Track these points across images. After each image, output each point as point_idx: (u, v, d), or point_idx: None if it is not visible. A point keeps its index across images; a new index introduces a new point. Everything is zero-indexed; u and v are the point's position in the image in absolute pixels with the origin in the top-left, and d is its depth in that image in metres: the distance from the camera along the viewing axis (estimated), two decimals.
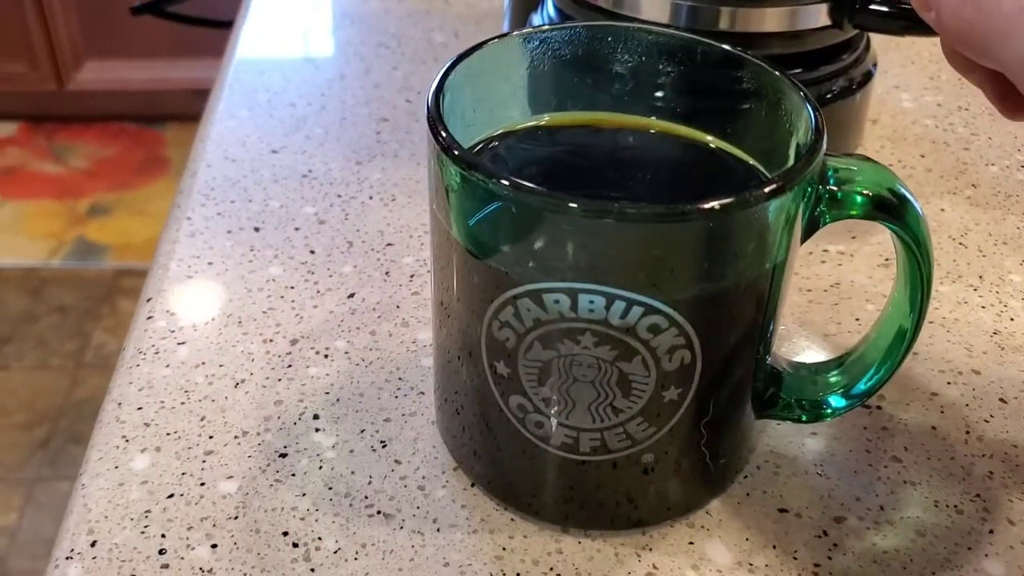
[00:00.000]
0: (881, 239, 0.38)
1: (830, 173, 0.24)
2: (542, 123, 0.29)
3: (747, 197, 0.22)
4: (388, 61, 0.48)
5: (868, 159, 0.25)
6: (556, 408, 0.25)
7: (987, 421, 0.31)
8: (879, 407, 0.31)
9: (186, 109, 1.93)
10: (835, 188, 0.24)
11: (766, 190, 0.22)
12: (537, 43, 0.28)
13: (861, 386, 0.28)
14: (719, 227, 0.22)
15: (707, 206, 0.21)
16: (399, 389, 0.31)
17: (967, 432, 0.31)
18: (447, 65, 0.25)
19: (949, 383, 0.32)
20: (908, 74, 0.50)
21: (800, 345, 0.34)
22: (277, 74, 0.47)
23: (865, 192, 0.24)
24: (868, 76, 0.42)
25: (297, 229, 0.37)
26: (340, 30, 0.51)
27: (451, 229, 0.24)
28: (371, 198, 0.39)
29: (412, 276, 0.36)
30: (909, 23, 0.36)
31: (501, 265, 0.23)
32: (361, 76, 0.47)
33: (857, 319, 0.35)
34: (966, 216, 0.40)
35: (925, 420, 0.31)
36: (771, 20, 0.37)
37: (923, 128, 0.45)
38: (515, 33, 0.27)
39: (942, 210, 0.40)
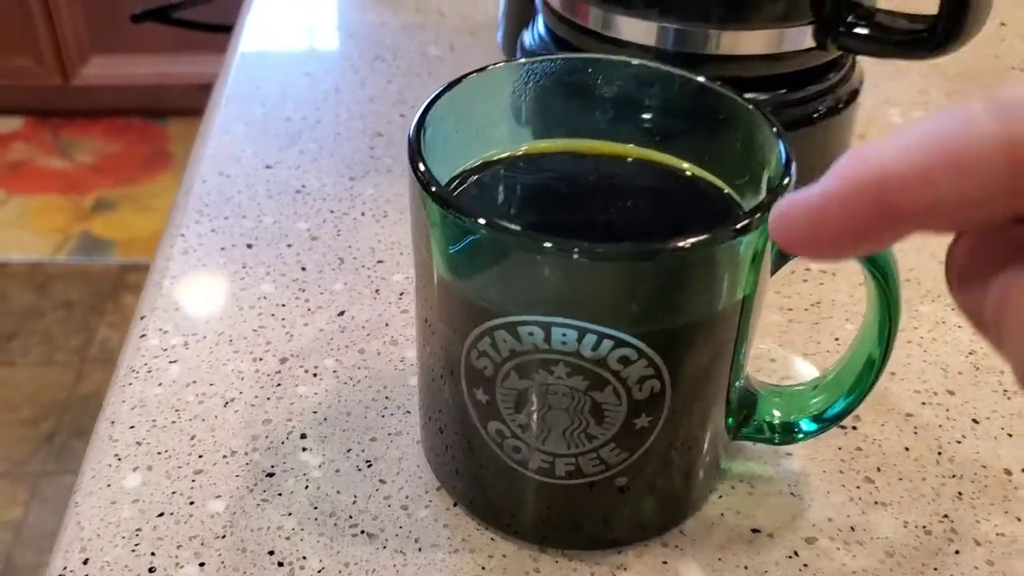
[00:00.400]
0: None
1: None
2: (524, 151, 0.29)
3: (713, 237, 0.22)
4: (383, 74, 0.49)
5: None
6: (532, 434, 0.25)
7: (959, 442, 0.32)
8: (854, 427, 0.32)
9: (190, 104, 1.95)
10: None
11: (732, 229, 0.22)
12: (519, 74, 0.28)
13: (831, 411, 0.28)
14: (686, 265, 0.23)
15: (674, 246, 0.22)
16: (386, 408, 0.32)
17: (939, 453, 0.31)
18: (429, 99, 0.26)
19: (924, 404, 0.33)
20: (898, 88, 0.50)
21: (779, 366, 0.34)
22: (274, 87, 0.48)
23: None
24: (854, 94, 0.42)
25: (289, 246, 0.38)
26: (337, 43, 0.52)
27: (431, 259, 0.25)
28: (363, 214, 0.40)
29: (401, 294, 0.36)
30: (892, 45, 0.37)
31: (478, 297, 0.24)
32: (356, 89, 0.48)
33: (836, 338, 0.35)
34: (948, 235, 0.41)
35: (899, 441, 0.32)
36: (756, 43, 0.38)
37: None
38: (497, 65, 0.28)
39: None
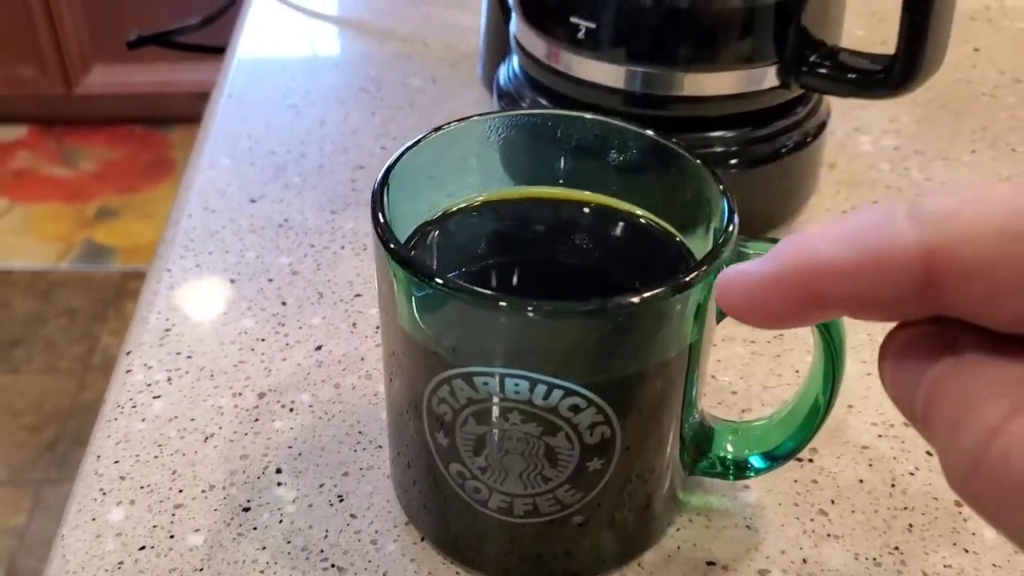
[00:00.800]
0: None
1: (746, 258, 0.26)
2: (487, 199, 0.30)
3: (659, 293, 0.23)
4: (367, 106, 0.50)
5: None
6: (491, 476, 0.27)
7: (912, 474, 0.33)
8: (811, 460, 0.33)
9: (192, 111, 1.97)
10: None
11: (678, 283, 0.24)
12: (481, 130, 0.29)
13: (780, 450, 0.30)
14: (633, 319, 0.24)
15: (621, 303, 0.23)
16: (359, 443, 0.33)
17: (892, 485, 0.32)
18: (393, 158, 0.27)
19: (880, 436, 0.34)
20: (869, 116, 0.51)
21: (739, 399, 0.35)
22: (259, 119, 0.49)
23: None
24: (822, 127, 0.44)
25: (271, 280, 0.40)
26: (322, 74, 0.53)
27: (395, 308, 0.26)
28: (343, 248, 0.42)
29: (377, 328, 0.38)
30: (853, 86, 0.38)
31: (436, 347, 0.25)
32: (340, 122, 0.49)
33: (797, 371, 0.37)
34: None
35: (854, 473, 0.33)
36: (722, 83, 0.39)
37: (879, 173, 0.47)
38: (460, 122, 0.29)
39: None
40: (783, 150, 0.42)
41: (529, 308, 0.23)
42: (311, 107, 0.50)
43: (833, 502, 0.32)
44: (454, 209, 0.30)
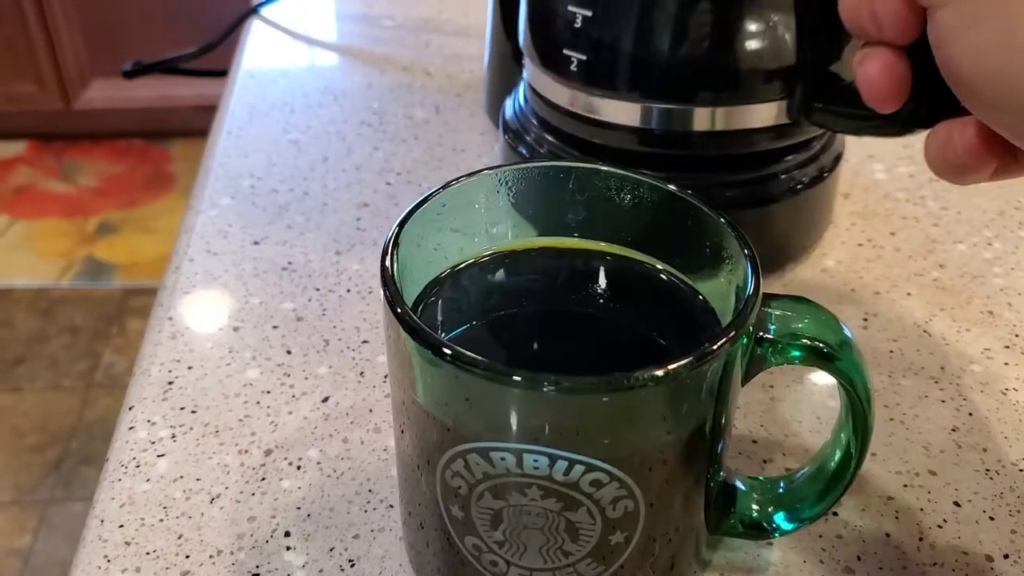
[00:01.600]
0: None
1: (769, 320, 0.25)
2: (499, 251, 0.30)
3: (685, 365, 0.22)
4: (369, 140, 0.49)
5: (809, 303, 0.26)
6: (508, 550, 0.26)
7: (940, 527, 0.32)
8: (835, 513, 0.32)
9: (191, 125, 1.96)
10: (774, 338, 0.25)
11: (704, 352, 0.23)
12: (492, 183, 0.28)
13: (806, 512, 0.29)
14: (653, 392, 0.23)
15: (645, 376, 0.22)
16: (368, 503, 0.32)
17: (920, 539, 0.31)
18: (402, 217, 0.26)
19: (905, 486, 0.33)
20: (882, 143, 0.50)
21: (760, 447, 0.34)
22: (261, 157, 0.48)
23: (804, 341, 0.25)
24: (838, 159, 0.43)
25: (275, 327, 0.39)
26: (323, 107, 0.52)
27: (406, 375, 0.25)
28: (349, 291, 0.41)
29: (385, 377, 0.37)
30: (865, 123, 0.37)
31: (450, 422, 0.24)
32: (343, 158, 0.48)
33: (818, 417, 0.36)
34: (932, 300, 0.41)
35: (880, 527, 0.32)
36: (741, 118, 0.37)
37: (894, 203, 0.46)
38: (470, 178, 0.28)
39: (909, 294, 0.41)
40: (799, 186, 0.41)
41: (546, 384, 0.22)
42: (313, 143, 0.49)
43: (859, 559, 0.31)
44: (465, 263, 0.29)
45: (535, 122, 0.42)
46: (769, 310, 0.26)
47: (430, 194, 0.27)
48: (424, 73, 0.55)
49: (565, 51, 0.38)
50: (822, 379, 0.37)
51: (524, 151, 0.42)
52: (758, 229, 0.40)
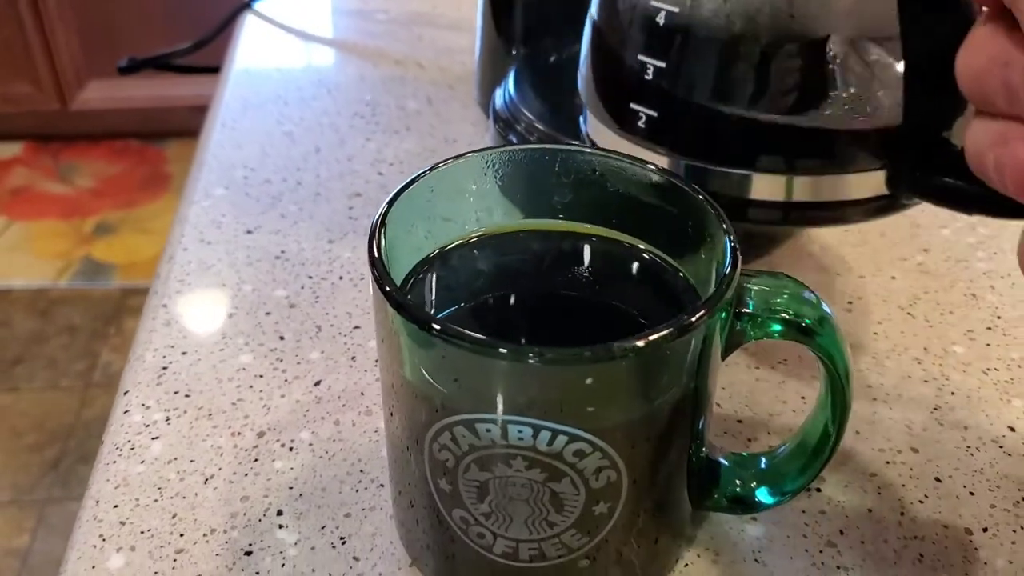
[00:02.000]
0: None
1: (749, 295, 0.26)
2: (487, 232, 0.30)
3: (665, 336, 0.23)
4: (362, 132, 0.50)
5: (789, 279, 0.27)
6: (495, 522, 0.26)
7: (921, 502, 0.32)
8: (818, 489, 0.33)
9: (188, 125, 1.96)
10: (753, 312, 0.26)
11: (684, 324, 0.23)
12: (479, 165, 0.29)
13: (788, 486, 0.29)
14: (637, 363, 0.23)
15: (626, 347, 0.23)
16: (360, 482, 0.33)
17: (902, 514, 0.32)
18: (389, 197, 0.27)
19: (888, 463, 0.34)
20: None
21: (745, 427, 0.35)
22: (255, 148, 0.49)
23: (783, 316, 0.26)
24: None
25: (268, 314, 0.39)
26: (317, 99, 0.53)
27: (394, 351, 0.25)
28: (341, 278, 0.41)
29: (376, 361, 0.37)
30: (983, 203, 0.29)
31: (436, 394, 0.25)
32: (335, 148, 0.49)
33: (803, 397, 0.36)
34: (916, 284, 0.41)
35: (862, 503, 0.32)
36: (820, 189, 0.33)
37: None
38: (456, 159, 0.29)
39: (893, 278, 0.42)
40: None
41: (530, 355, 0.23)
42: (306, 134, 0.50)
43: (842, 533, 0.31)
44: (453, 244, 0.30)
45: (525, 111, 0.42)
46: (749, 285, 0.26)
47: (417, 175, 0.28)
48: (417, 66, 0.55)
49: (632, 104, 0.33)
50: (807, 356, 0.38)
51: (514, 139, 0.42)
52: None
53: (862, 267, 0.42)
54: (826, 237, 0.44)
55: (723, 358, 0.26)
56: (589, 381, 0.24)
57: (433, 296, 0.29)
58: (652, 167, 0.28)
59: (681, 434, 0.27)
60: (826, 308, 0.27)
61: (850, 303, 0.40)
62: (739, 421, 0.35)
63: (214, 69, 0.65)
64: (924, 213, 0.45)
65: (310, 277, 0.41)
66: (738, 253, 0.25)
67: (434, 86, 0.53)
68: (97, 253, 1.79)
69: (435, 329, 0.23)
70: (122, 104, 1.99)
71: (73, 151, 2.04)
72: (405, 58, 0.56)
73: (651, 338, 0.23)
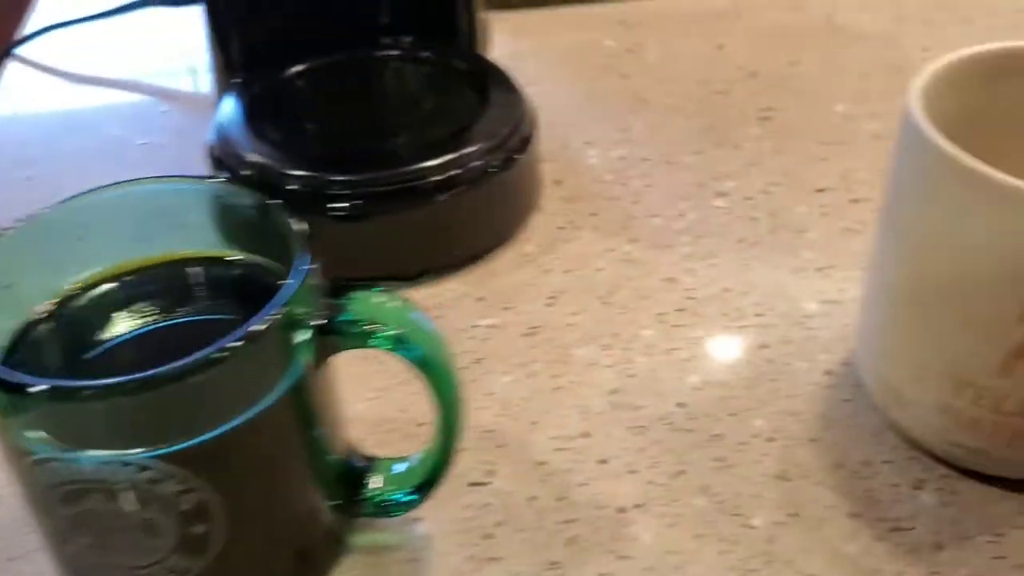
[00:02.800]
0: (530, 308, 0.41)
1: (344, 310, 0.27)
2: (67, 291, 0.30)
3: (202, 361, 0.24)
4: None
5: (388, 292, 0.28)
6: (101, 552, 0.27)
7: (583, 485, 0.34)
8: (488, 483, 0.34)
9: None
10: (343, 324, 0.27)
11: (224, 352, 0.24)
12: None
13: (422, 483, 0.30)
14: (186, 387, 0.24)
15: (155, 377, 0.23)
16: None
17: (560, 499, 0.33)
18: None
19: (558, 449, 0.35)
20: (601, 128, 0.53)
21: (426, 430, 0.36)
22: None
23: (369, 328, 0.27)
24: (526, 142, 0.44)
25: None
26: (58, 139, 0.53)
27: None
28: None
29: None
30: None
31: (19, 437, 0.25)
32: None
33: (492, 393, 0.37)
34: (618, 273, 0.43)
35: (528, 491, 0.34)
36: None
37: (602, 185, 0.49)
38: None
39: (599, 270, 0.43)
40: (489, 170, 0.43)
41: (71, 394, 0.23)
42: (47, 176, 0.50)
43: (499, 524, 0.33)
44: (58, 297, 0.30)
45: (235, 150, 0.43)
46: (340, 300, 0.27)
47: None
48: (160, 98, 0.56)
49: None
50: (504, 353, 0.39)
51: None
52: (450, 217, 0.42)
53: (570, 262, 0.44)
54: (541, 236, 0.45)
55: (320, 363, 0.27)
56: (142, 409, 0.24)
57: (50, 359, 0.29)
58: (221, 180, 0.29)
59: (285, 445, 0.27)
60: (415, 317, 0.28)
61: (552, 298, 0.42)
62: (420, 424, 0.36)
63: None
64: (638, 205, 0.47)
65: None
66: (305, 267, 0.26)
67: (178, 119, 0.54)
68: None
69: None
70: None
71: None
72: (149, 89, 0.56)
73: (184, 363, 0.24)
